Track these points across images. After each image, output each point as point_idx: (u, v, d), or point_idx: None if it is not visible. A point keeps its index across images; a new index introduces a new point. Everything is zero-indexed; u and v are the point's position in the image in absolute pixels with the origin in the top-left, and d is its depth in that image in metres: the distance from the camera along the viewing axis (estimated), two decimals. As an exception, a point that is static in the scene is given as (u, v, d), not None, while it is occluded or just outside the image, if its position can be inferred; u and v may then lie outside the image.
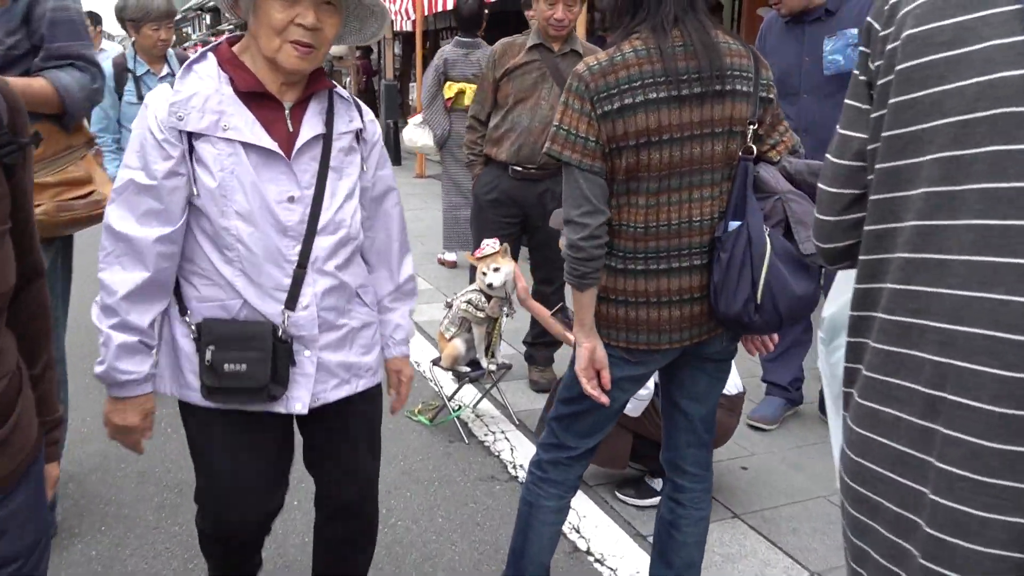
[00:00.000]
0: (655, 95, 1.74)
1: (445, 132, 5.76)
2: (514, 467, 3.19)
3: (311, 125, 1.69)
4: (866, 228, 1.17)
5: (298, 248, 1.67)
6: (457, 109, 5.62)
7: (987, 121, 1.01)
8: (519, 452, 3.30)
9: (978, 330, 1.00)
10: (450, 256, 6.35)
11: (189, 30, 41.63)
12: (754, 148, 1.84)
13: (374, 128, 1.85)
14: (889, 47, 1.13)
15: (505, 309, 3.32)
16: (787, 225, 1.88)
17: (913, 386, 1.08)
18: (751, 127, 1.83)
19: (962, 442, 1.01)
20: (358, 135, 1.77)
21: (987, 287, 1.00)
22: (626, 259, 1.85)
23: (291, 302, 1.68)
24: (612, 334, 1.90)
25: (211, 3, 32.93)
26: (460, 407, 3.64)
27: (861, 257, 1.18)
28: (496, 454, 3.30)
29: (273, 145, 1.63)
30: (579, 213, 1.80)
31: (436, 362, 3.50)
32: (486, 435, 3.47)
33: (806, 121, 3.25)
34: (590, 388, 1.90)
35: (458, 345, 3.37)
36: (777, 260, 1.81)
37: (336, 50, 17.95)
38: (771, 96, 1.88)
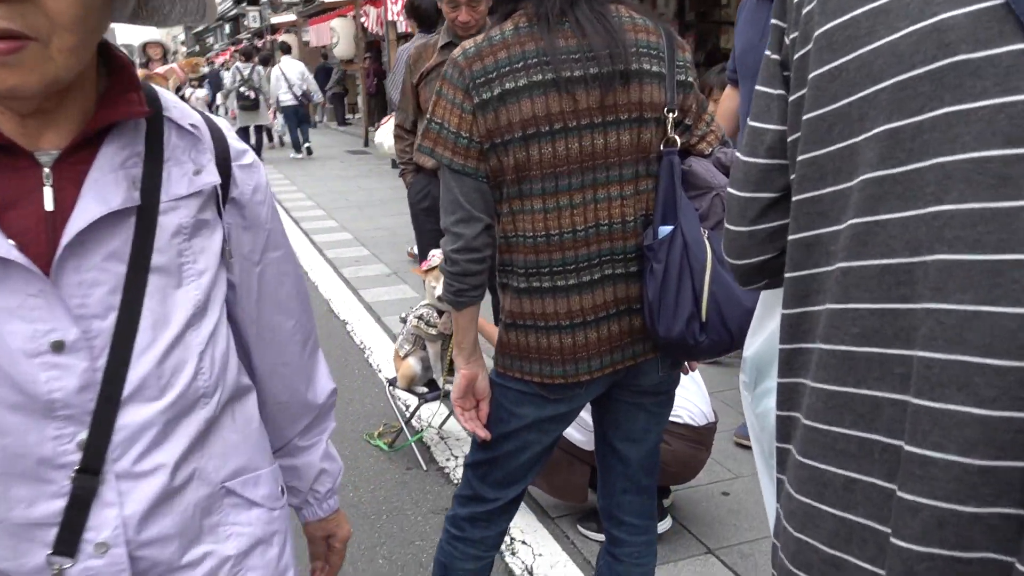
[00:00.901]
0: (540, 77, 1.46)
1: None
2: (472, 497, 2.92)
3: (101, 193, 0.87)
4: (791, 238, 0.91)
5: (81, 437, 0.87)
6: None
7: (930, 77, 0.76)
8: (479, 480, 3.03)
9: (948, 355, 0.74)
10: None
11: (212, 40, 41.89)
12: (677, 139, 1.56)
13: (253, 176, 1.03)
14: (805, 11, 0.88)
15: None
16: None
17: (867, 435, 0.81)
18: (669, 115, 1.55)
19: (922, 508, 0.75)
20: (218, 198, 0.97)
21: (955, 296, 0.74)
22: (528, 276, 1.58)
23: (67, 543, 0.88)
24: (524, 366, 1.63)
25: (231, 12, 33.09)
26: (422, 430, 3.38)
27: (788, 275, 0.92)
28: (455, 482, 3.03)
29: (6, 248, 0.82)
30: (453, 221, 1.54)
31: (392, 382, 3.25)
32: (448, 460, 3.21)
33: None
34: (466, 421, 1.69)
35: (413, 364, 3.11)
36: (720, 268, 1.53)
37: (343, 52, 17.85)
38: (690, 80, 1.59)
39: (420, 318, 3.01)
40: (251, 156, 1.04)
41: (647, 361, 1.67)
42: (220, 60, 24.00)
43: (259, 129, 13.15)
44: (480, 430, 1.70)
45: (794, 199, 0.91)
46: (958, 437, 0.73)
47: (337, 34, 17.04)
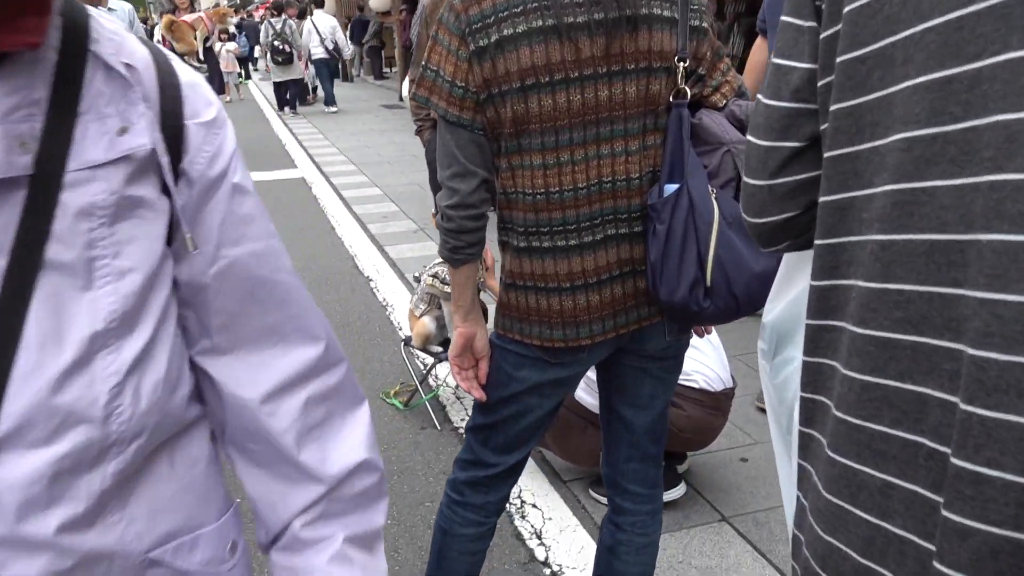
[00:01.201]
0: (540, 23, 1.37)
1: None
2: (485, 458, 2.89)
3: None
4: (822, 200, 0.81)
5: None
6: None
7: (992, 14, 0.64)
8: (493, 441, 3.00)
9: (1007, 356, 0.63)
10: None
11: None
12: (687, 90, 1.46)
13: (214, 138, 0.75)
14: None
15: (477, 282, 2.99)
16: (739, 184, 1.50)
17: (911, 437, 0.71)
18: (680, 64, 1.44)
19: (973, 533, 0.66)
20: (162, 167, 0.70)
21: (1017, 285, 0.63)
22: (528, 235, 1.50)
23: None
24: (524, 328, 1.57)
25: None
26: (437, 388, 3.35)
27: (817, 241, 0.82)
28: (469, 442, 3.00)
29: None
30: (448, 175, 1.48)
31: (407, 342, 3.21)
32: (463, 420, 3.17)
33: None
34: (462, 380, 1.65)
35: (428, 324, 3.07)
36: (728, 230, 1.44)
37: (380, 4, 17.60)
38: (705, 25, 1.49)
39: (435, 276, 2.95)
40: (216, 110, 0.75)
41: (652, 325, 1.59)
42: (259, 14, 23.90)
43: (295, 83, 13.16)
44: (476, 390, 1.66)
45: (826, 155, 0.80)
46: (1018, 454, 0.63)
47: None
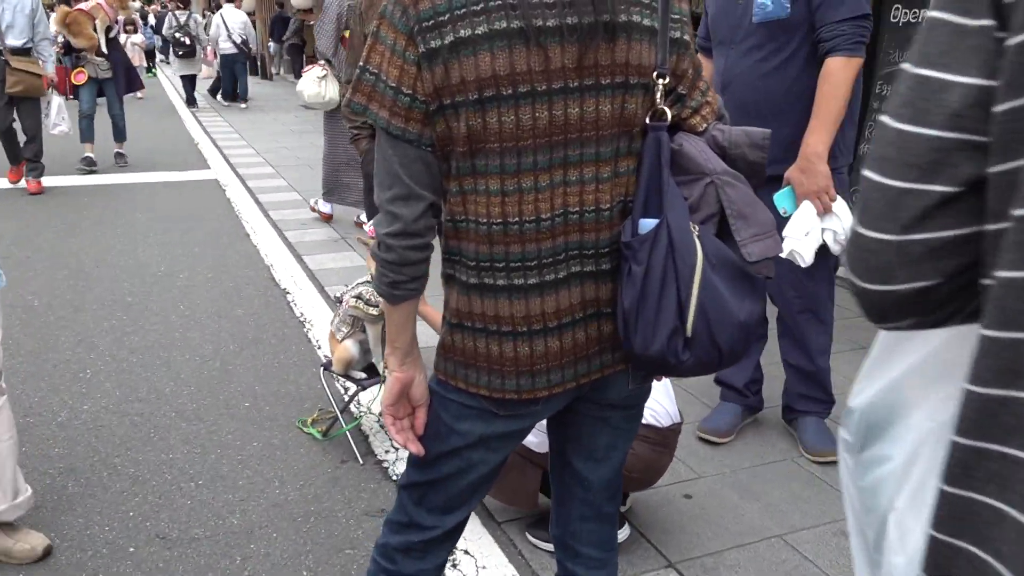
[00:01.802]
0: (504, 24, 1.17)
1: None
2: (412, 496, 2.64)
3: None
4: (1006, 274, 0.59)
5: None
6: None
7: None
8: (421, 476, 2.75)
9: None
10: (325, 208, 6.14)
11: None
12: (667, 111, 1.27)
13: None
14: None
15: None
16: (722, 219, 1.31)
17: None
18: (660, 80, 1.25)
19: None
20: None
21: None
22: (480, 270, 1.29)
23: None
24: (469, 376, 1.35)
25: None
26: (359, 417, 3.09)
27: (991, 331, 0.60)
28: (394, 478, 2.75)
29: None
30: (389, 197, 1.26)
31: (327, 366, 2.94)
32: (387, 452, 2.92)
33: (728, 77, 2.70)
34: (396, 432, 1.43)
35: (350, 348, 2.81)
36: (711, 272, 1.25)
37: (301, 1, 17.01)
38: (686, 38, 1.30)
39: (359, 297, 2.70)
40: None
41: (616, 372, 1.39)
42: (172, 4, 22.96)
43: (191, 78, 13.40)
44: (413, 444, 1.43)
45: (1018, 212, 0.59)
46: None
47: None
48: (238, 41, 12.85)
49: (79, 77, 7.39)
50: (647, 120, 1.28)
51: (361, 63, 1.26)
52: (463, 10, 1.17)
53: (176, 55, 12.80)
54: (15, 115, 6.66)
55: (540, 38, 1.17)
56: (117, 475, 2.74)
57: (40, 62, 6.60)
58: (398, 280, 1.30)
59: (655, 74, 1.26)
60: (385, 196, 1.27)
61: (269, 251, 5.40)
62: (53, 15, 7.16)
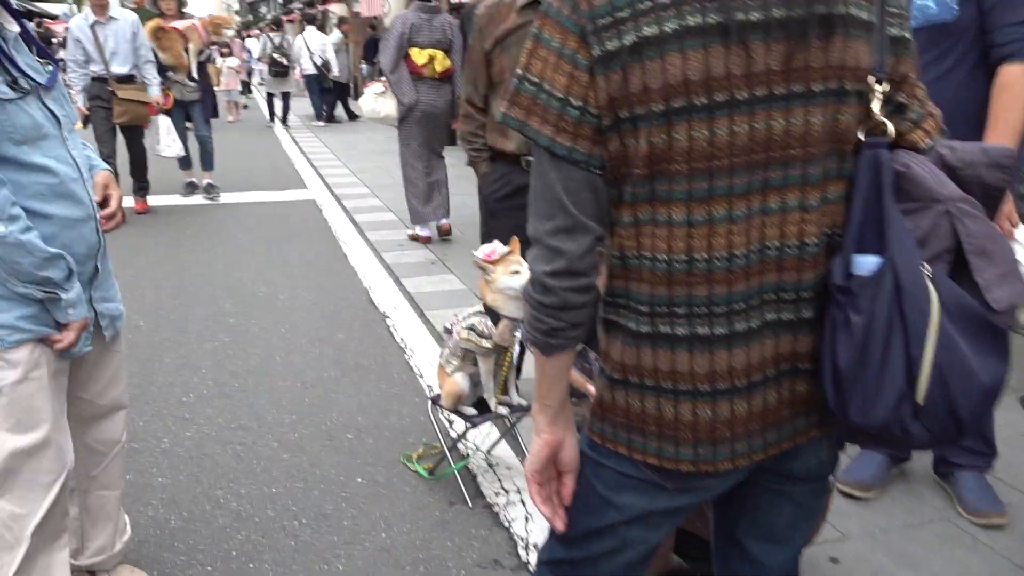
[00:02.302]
0: (700, 19, 0.98)
1: (414, 101, 5.59)
2: (525, 547, 2.45)
3: None
4: None
5: None
6: (427, 78, 5.58)
7: None
8: (535, 524, 2.55)
9: None
10: (423, 231, 6.00)
11: (264, 9, 41.54)
12: (888, 124, 1.05)
13: None
14: None
15: (519, 335, 2.56)
16: (956, 257, 1.07)
17: None
18: (879, 86, 1.03)
19: None
20: None
21: None
22: (654, 317, 1.09)
23: None
24: (634, 441, 1.15)
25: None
26: (468, 455, 2.91)
27: None
28: (506, 524, 2.56)
29: None
30: (550, 229, 1.07)
31: (436, 400, 2.78)
32: (497, 495, 2.73)
33: None
34: (541, 502, 1.23)
35: (460, 382, 2.63)
36: (950, 324, 1.01)
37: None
38: (906, 35, 1.09)
39: (471, 329, 2.53)
40: None
41: (808, 440, 1.17)
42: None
43: (285, 96, 14.12)
44: (560, 518, 1.24)
45: None
46: None
47: (389, 3, 16.56)
48: (318, 63, 13.42)
49: (166, 100, 7.13)
50: (862, 135, 1.06)
51: (519, 71, 1.08)
52: (647, 4, 0.98)
53: (271, 74, 13.35)
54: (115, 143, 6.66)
55: (743, 35, 0.97)
56: (220, 509, 2.64)
57: (145, 87, 6.60)
58: (557, 327, 1.11)
59: (872, 78, 1.04)
60: (545, 228, 1.08)
61: (367, 273, 5.33)
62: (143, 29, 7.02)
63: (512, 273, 2.45)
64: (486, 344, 2.51)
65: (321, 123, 14.10)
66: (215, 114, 8.07)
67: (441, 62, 5.61)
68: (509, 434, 2.97)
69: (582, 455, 1.24)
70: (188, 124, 7.47)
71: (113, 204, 1.90)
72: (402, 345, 4.07)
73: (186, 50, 7.09)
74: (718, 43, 0.97)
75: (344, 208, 7.36)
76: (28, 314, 1.67)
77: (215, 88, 9.73)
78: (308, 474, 2.85)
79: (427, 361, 3.84)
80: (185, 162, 7.60)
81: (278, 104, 14.33)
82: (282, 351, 3.98)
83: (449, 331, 2.65)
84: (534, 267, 1.10)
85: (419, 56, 5.53)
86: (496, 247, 2.52)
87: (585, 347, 2.27)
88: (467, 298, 4.75)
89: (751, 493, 1.26)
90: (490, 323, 2.51)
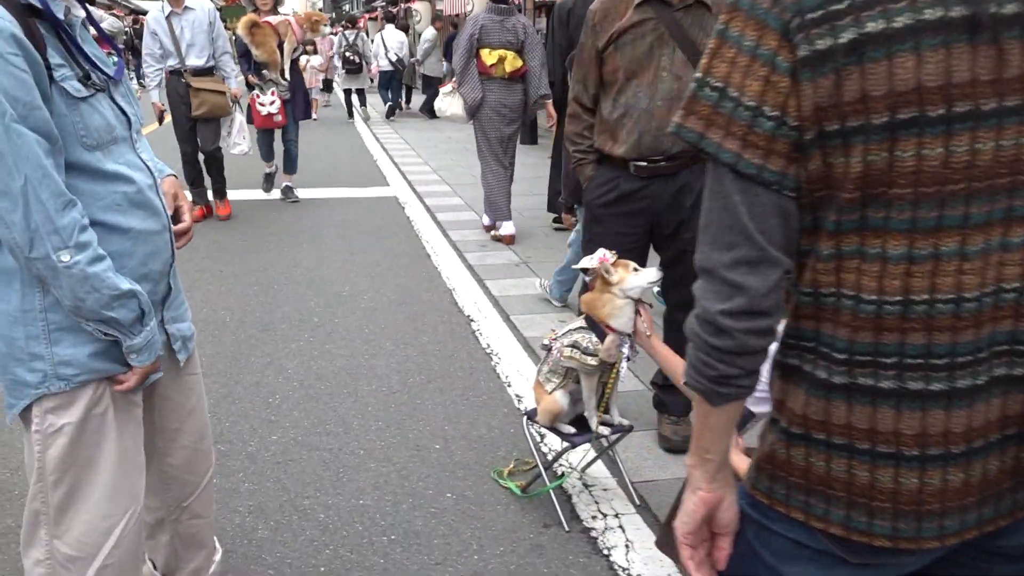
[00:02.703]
0: (940, 13, 0.81)
1: (476, 100, 5.65)
2: (627, 577, 2.29)
3: None
4: None
5: None
6: (497, 78, 5.61)
7: None
8: (636, 554, 2.39)
9: None
10: (506, 230, 5.89)
11: (348, 7, 42.11)
12: None
13: None
14: None
15: (626, 350, 2.40)
16: None
17: None
18: None
19: None
20: None
21: None
22: (853, 367, 0.93)
23: None
24: (814, 506, 0.99)
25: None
26: (564, 473, 2.76)
27: None
28: (605, 552, 2.40)
29: None
30: (729, 261, 0.91)
31: (531, 415, 2.64)
32: (594, 517, 2.58)
33: None
34: (693, 567, 1.08)
35: (559, 400, 2.49)
36: None
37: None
38: None
39: (575, 347, 2.37)
40: None
41: None
42: (360, 24, 24.20)
43: (360, 92, 14.34)
44: None
45: None
46: None
47: (472, 1, 16.53)
48: (393, 59, 13.77)
49: (261, 106, 6.80)
50: None
51: (699, 74, 0.92)
52: None
53: (345, 71, 13.59)
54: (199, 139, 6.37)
55: (995, 32, 0.79)
56: (307, 520, 2.55)
57: (223, 80, 6.27)
58: (729, 375, 0.95)
59: None
60: (723, 259, 0.92)
61: (450, 274, 5.23)
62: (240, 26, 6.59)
63: (633, 271, 2.30)
64: (592, 362, 2.35)
65: (394, 118, 14.35)
66: (307, 115, 7.44)
67: (512, 62, 5.58)
68: (605, 454, 2.81)
69: (742, 515, 1.08)
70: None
71: (187, 218, 1.68)
72: (488, 351, 3.95)
73: (280, 47, 6.76)
74: (963, 41, 0.80)
75: (426, 206, 7.29)
76: (99, 350, 1.48)
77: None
78: (396, 486, 2.75)
79: (514, 369, 3.71)
80: (268, 152, 7.28)
81: (356, 100, 14.64)
82: (367, 354, 3.91)
83: (548, 348, 2.50)
84: (705, 304, 0.94)
85: (489, 57, 5.56)
86: (603, 253, 2.35)
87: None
88: (552, 304, 4.60)
89: (946, 570, 1.08)
90: (595, 339, 2.35)
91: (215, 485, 2.48)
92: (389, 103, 14.43)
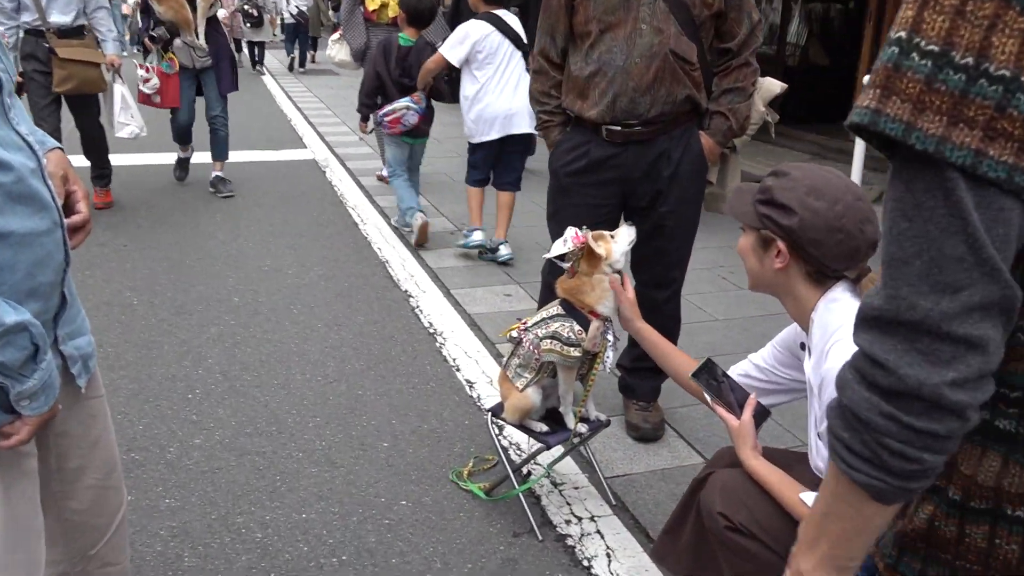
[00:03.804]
0: None
1: (362, 46, 5.70)
2: (614, 593, 2.05)
3: None
4: None
5: None
6: (381, 23, 5.72)
7: None
8: (619, 564, 2.15)
9: None
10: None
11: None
12: None
13: None
14: None
15: (610, 337, 2.13)
16: None
17: None
18: None
19: None
20: None
21: None
22: None
23: None
24: None
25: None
26: (530, 473, 2.50)
27: None
28: (584, 563, 2.16)
29: None
30: (959, 308, 0.65)
31: (496, 412, 2.35)
32: (568, 522, 2.33)
33: None
34: None
35: (533, 396, 2.21)
36: None
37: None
38: None
39: (555, 338, 2.09)
40: None
41: None
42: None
43: (260, 45, 14.24)
44: None
45: None
46: None
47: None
48: (294, 12, 13.83)
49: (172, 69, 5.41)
50: None
51: (900, 33, 0.63)
52: None
53: (245, 25, 13.39)
54: (61, 116, 5.05)
55: None
56: (242, 542, 2.22)
57: (97, 44, 4.99)
58: (935, 467, 0.69)
59: None
60: (946, 307, 0.65)
61: (381, 244, 4.87)
62: None
63: (611, 239, 2.06)
64: (575, 354, 2.08)
65: (304, 70, 14.40)
66: (234, 85, 5.82)
67: (394, 8, 5.50)
68: (575, 449, 2.55)
69: None
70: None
71: (83, 207, 1.30)
72: (431, 331, 3.64)
73: (191, 2, 5.38)
74: None
75: (348, 169, 6.85)
76: None
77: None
78: (343, 495, 2.43)
79: (461, 351, 3.41)
80: (184, 135, 5.85)
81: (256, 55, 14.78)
82: (297, 337, 3.54)
83: (517, 340, 2.21)
84: (908, 372, 0.66)
85: (372, 3, 5.72)
86: (574, 232, 2.07)
87: (712, 362, 1.85)
88: (495, 274, 4.31)
89: None
90: (576, 327, 2.07)
91: (129, 503, 2.11)
92: (292, 55, 14.48)
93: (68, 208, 1.28)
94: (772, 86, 4.56)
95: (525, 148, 4.54)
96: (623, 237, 2.08)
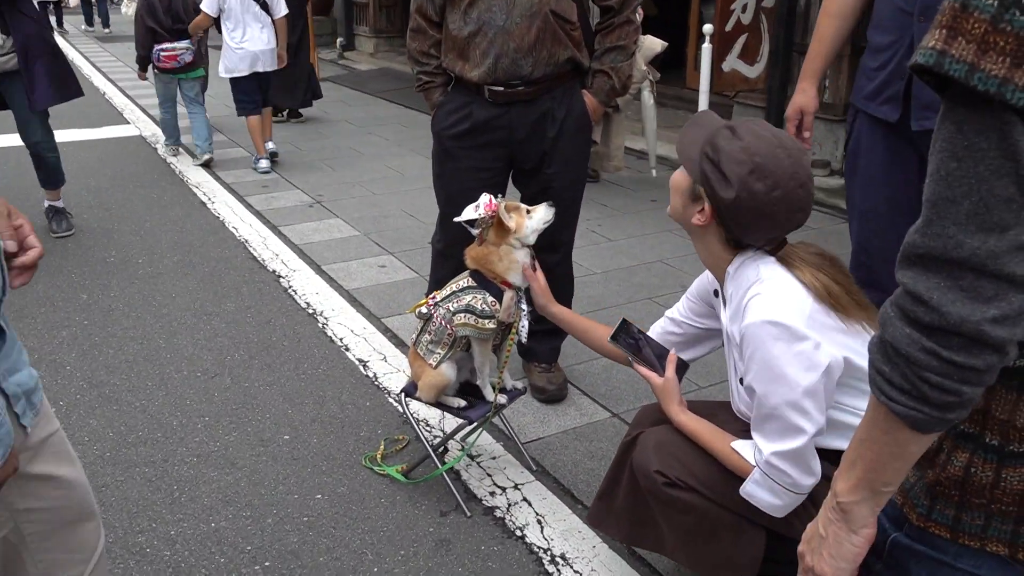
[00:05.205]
0: None
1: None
2: (551, 559, 2.06)
3: None
4: None
5: None
6: None
7: None
8: (552, 528, 2.16)
9: None
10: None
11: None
12: None
13: None
14: None
15: (524, 307, 2.12)
16: None
17: None
18: None
19: None
20: None
21: None
22: None
23: None
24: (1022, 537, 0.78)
25: None
26: (446, 450, 2.45)
27: None
28: (517, 533, 2.15)
29: None
30: (1006, 247, 0.67)
31: (409, 392, 2.28)
32: (492, 493, 2.31)
33: None
34: None
35: (447, 372, 2.16)
36: None
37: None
38: None
39: (470, 311, 2.04)
40: None
41: None
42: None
43: (56, 5, 14.55)
44: None
45: None
46: None
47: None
48: None
49: None
50: None
51: None
52: None
53: None
54: None
55: None
56: (149, 562, 2.04)
57: None
58: (972, 398, 0.70)
59: None
60: (992, 246, 0.67)
61: (237, 223, 4.58)
62: None
63: (527, 214, 2.03)
64: (490, 326, 2.04)
65: (91, 28, 14.91)
66: (65, 95, 4.03)
67: None
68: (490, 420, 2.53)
69: (905, 549, 0.85)
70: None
71: (34, 241, 1.15)
72: (310, 311, 3.48)
73: None
74: None
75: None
76: None
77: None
78: (252, 496, 2.29)
79: (347, 329, 3.29)
80: None
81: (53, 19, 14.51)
82: (163, 332, 3.28)
83: (428, 316, 2.14)
84: (951, 309, 0.67)
85: None
86: (488, 199, 2.02)
87: (628, 322, 1.86)
88: (364, 246, 4.18)
89: None
90: (490, 298, 2.03)
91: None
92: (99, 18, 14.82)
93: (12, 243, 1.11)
94: (653, 44, 4.63)
95: (266, 82, 5.59)
96: (539, 215, 2.06)
